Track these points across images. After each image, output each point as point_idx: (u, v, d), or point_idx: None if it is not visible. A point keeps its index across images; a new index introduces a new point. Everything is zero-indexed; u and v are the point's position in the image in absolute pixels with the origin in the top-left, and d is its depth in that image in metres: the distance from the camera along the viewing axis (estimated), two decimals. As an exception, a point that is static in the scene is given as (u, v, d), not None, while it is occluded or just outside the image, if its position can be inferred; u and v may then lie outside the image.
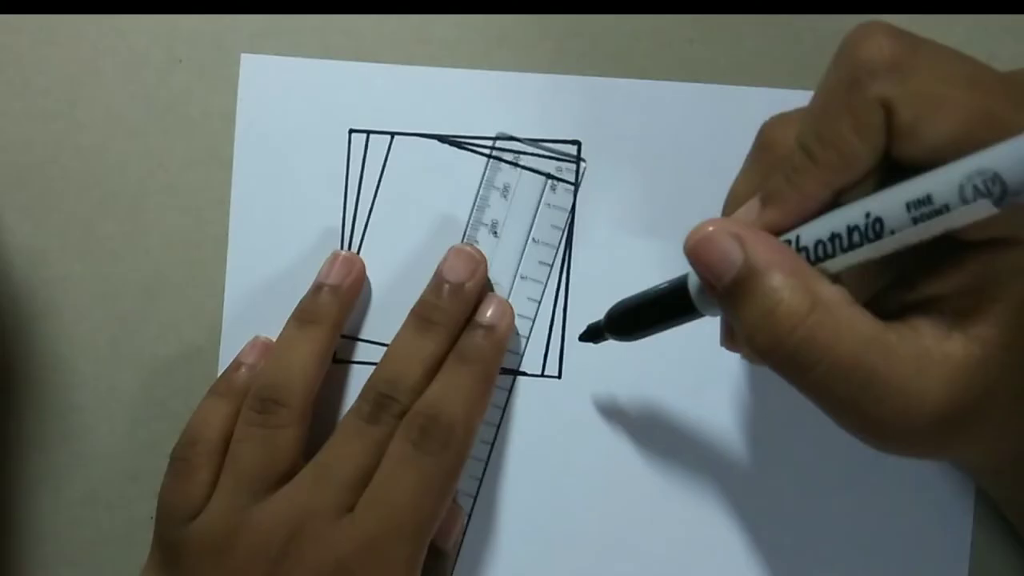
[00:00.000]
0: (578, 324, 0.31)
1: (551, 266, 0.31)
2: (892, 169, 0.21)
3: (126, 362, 0.32)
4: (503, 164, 0.31)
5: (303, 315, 0.30)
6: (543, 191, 0.31)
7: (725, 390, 0.31)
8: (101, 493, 0.32)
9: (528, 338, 0.31)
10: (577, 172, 0.31)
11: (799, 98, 0.31)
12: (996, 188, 0.18)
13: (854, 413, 0.21)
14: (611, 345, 0.31)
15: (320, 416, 0.30)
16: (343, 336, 0.31)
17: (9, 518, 0.32)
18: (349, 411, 0.29)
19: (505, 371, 0.31)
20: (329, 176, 0.31)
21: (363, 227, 0.31)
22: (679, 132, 0.31)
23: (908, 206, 0.19)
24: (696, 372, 0.31)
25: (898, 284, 0.22)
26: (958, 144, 0.19)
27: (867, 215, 0.20)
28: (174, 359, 0.32)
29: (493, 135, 0.31)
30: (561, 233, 0.31)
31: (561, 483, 0.31)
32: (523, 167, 0.31)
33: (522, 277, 0.31)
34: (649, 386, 0.31)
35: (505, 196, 0.31)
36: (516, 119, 0.31)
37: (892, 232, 0.20)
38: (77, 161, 0.32)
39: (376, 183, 0.31)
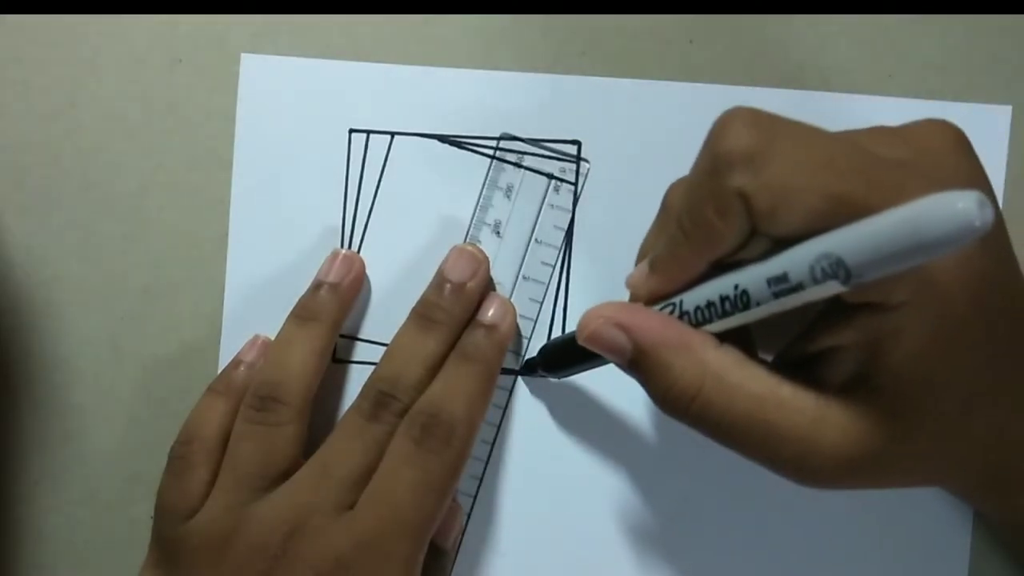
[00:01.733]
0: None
1: (553, 266, 0.31)
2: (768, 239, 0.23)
3: (126, 361, 0.32)
4: (506, 164, 0.31)
5: (302, 313, 0.30)
6: (546, 191, 0.31)
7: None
8: (101, 492, 0.32)
9: (530, 338, 0.31)
10: (577, 172, 0.31)
11: (798, 98, 0.31)
12: (841, 271, 0.19)
13: (763, 460, 0.23)
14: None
15: (320, 415, 0.30)
16: (343, 336, 0.31)
17: (9, 517, 0.32)
18: (349, 409, 0.29)
19: (506, 371, 0.31)
20: (329, 176, 0.31)
21: (363, 227, 0.31)
22: (679, 132, 0.31)
23: (768, 282, 0.21)
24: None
25: (804, 335, 0.24)
26: (814, 229, 0.20)
27: (736, 287, 0.22)
28: (174, 358, 0.32)
29: (493, 135, 0.31)
30: (562, 234, 0.31)
31: (561, 483, 0.31)
32: (526, 168, 0.31)
33: (524, 277, 0.31)
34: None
35: (508, 196, 0.31)
36: (516, 119, 0.31)
37: (757, 304, 0.21)
38: (77, 161, 0.32)
39: (376, 183, 0.31)
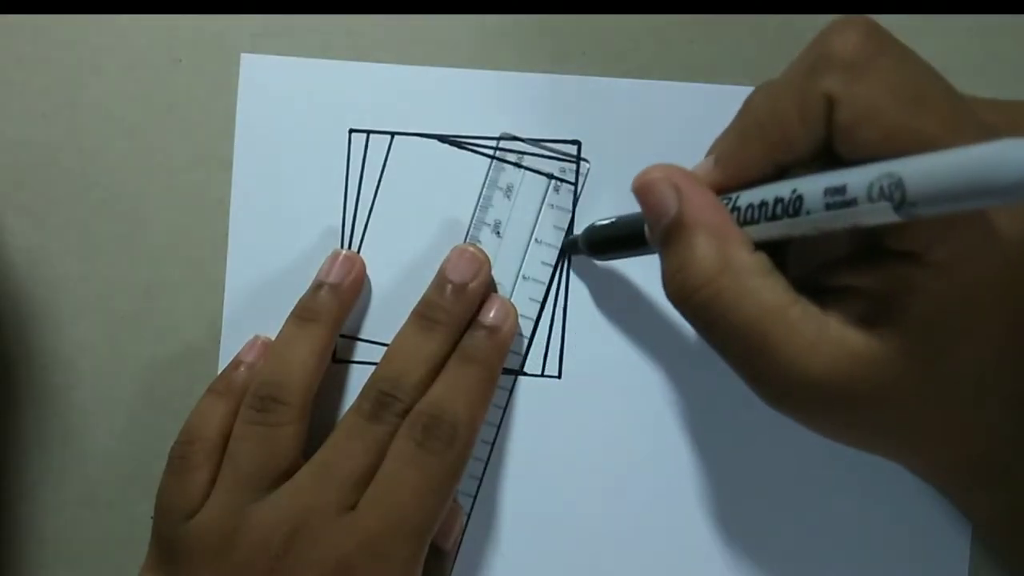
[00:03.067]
0: (578, 324, 0.31)
1: (553, 266, 0.31)
2: (836, 161, 0.22)
3: (126, 362, 0.32)
4: (506, 164, 0.31)
5: (303, 313, 0.30)
6: (546, 191, 0.31)
7: (726, 391, 0.31)
8: (101, 492, 0.32)
9: (531, 339, 0.31)
10: (577, 172, 0.31)
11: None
12: (897, 194, 0.18)
13: (746, 370, 0.23)
14: (611, 346, 0.31)
15: (320, 415, 0.30)
16: (343, 336, 0.31)
17: (9, 517, 0.32)
18: (350, 409, 0.28)
19: (506, 371, 0.31)
20: (329, 176, 0.31)
21: (363, 227, 0.31)
22: (679, 132, 0.31)
23: (826, 191, 0.20)
24: (697, 374, 0.31)
25: (826, 267, 0.24)
26: (883, 152, 0.20)
27: (793, 191, 0.21)
28: (174, 359, 0.32)
29: (493, 135, 0.31)
30: (562, 233, 0.31)
31: (561, 483, 0.31)
32: (526, 168, 0.31)
33: (524, 277, 0.31)
34: (649, 387, 0.31)
35: (508, 196, 0.31)
36: (516, 119, 0.31)
37: (808, 212, 0.21)
38: (77, 161, 0.32)
39: (376, 183, 0.31)
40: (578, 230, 0.31)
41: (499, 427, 0.31)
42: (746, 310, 0.22)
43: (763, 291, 0.22)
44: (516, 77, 0.31)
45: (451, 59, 0.31)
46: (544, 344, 0.31)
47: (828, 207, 0.20)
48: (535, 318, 0.31)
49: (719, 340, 0.23)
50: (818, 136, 0.22)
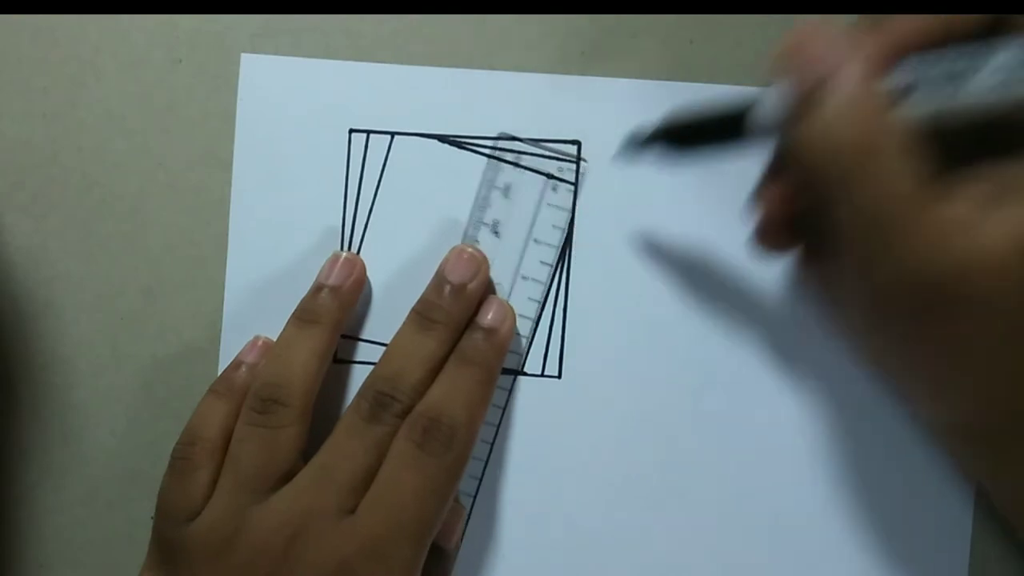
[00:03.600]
0: (578, 324, 0.31)
1: (552, 266, 0.31)
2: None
3: (126, 362, 0.32)
4: (504, 164, 0.31)
5: (303, 315, 0.30)
6: (544, 191, 0.31)
7: (725, 390, 0.31)
8: (101, 492, 0.32)
9: (531, 339, 0.31)
10: (577, 172, 0.31)
11: (799, 98, 0.31)
12: None
13: (861, 254, 0.22)
14: (610, 346, 0.31)
15: (320, 416, 0.30)
16: (343, 336, 0.31)
17: (9, 517, 0.32)
18: (348, 408, 0.28)
19: (506, 371, 0.31)
20: (329, 176, 0.31)
21: (363, 227, 0.31)
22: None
23: None
24: (696, 374, 0.31)
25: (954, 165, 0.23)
26: None
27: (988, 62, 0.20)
28: (174, 359, 0.32)
29: (492, 135, 0.31)
30: (561, 233, 0.31)
31: (560, 483, 0.31)
32: (524, 167, 0.31)
33: (523, 277, 0.31)
34: (649, 387, 0.31)
35: (506, 196, 0.31)
36: (516, 119, 0.31)
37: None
38: (77, 161, 0.32)
39: (376, 183, 0.31)
40: (577, 231, 0.31)
41: (498, 427, 0.31)
42: (888, 189, 0.22)
43: (909, 173, 0.22)
44: (516, 77, 0.31)
45: (451, 59, 0.31)
46: (544, 344, 0.31)
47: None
48: (535, 318, 0.31)
49: (846, 217, 0.22)
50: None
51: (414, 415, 0.28)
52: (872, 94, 0.22)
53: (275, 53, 0.32)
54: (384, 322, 0.31)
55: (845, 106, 0.22)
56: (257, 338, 0.31)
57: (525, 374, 0.31)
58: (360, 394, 0.28)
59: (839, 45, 0.23)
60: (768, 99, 0.24)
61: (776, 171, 0.26)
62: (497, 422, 0.31)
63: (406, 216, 0.31)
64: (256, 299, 0.31)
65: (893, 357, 0.25)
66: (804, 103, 0.23)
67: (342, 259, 0.31)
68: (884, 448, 0.31)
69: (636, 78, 0.31)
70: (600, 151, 0.31)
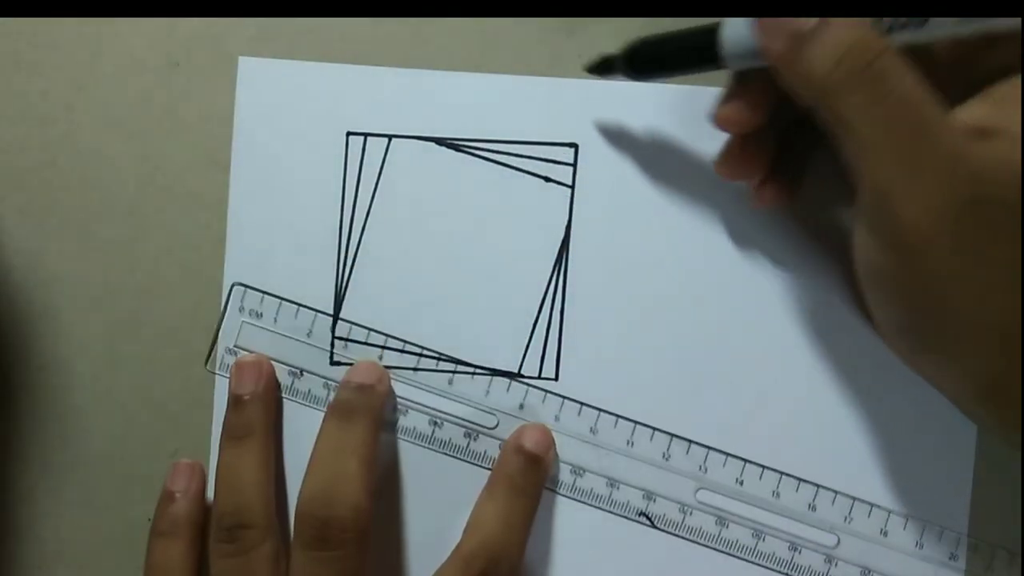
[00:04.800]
0: (575, 326, 0.31)
1: (548, 269, 0.31)
2: None
3: (124, 364, 0.32)
4: (503, 167, 0.31)
5: (234, 432, 0.30)
6: (540, 193, 0.31)
7: (722, 392, 0.31)
8: (99, 495, 0.32)
9: (528, 342, 0.31)
10: (574, 175, 0.31)
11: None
12: None
13: (886, 175, 0.22)
14: (607, 349, 0.31)
15: (315, 420, 0.30)
16: (339, 338, 0.31)
17: (7, 520, 0.32)
18: (294, 541, 0.28)
19: (505, 373, 0.31)
20: (327, 178, 0.32)
21: (360, 229, 0.32)
22: (676, 135, 0.31)
23: None
24: (693, 373, 0.31)
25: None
26: None
27: None
28: (172, 361, 0.32)
29: (489, 137, 0.31)
30: (558, 236, 0.31)
31: (558, 484, 0.31)
32: (520, 170, 0.31)
33: (520, 280, 0.31)
34: (645, 389, 0.31)
35: (505, 199, 0.31)
36: (513, 122, 0.31)
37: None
38: (75, 163, 0.32)
39: (373, 186, 0.31)
40: (574, 234, 0.31)
41: (495, 429, 0.31)
42: (913, 91, 0.22)
43: (923, 81, 0.22)
44: (513, 80, 0.31)
45: (448, 62, 0.31)
46: (541, 346, 0.31)
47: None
48: (532, 321, 0.31)
49: (867, 139, 0.22)
50: None
51: (468, 557, 0.28)
52: (864, 25, 0.23)
53: (272, 56, 0.32)
54: (381, 325, 0.31)
55: (845, 33, 0.22)
56: (178, 463, 0.31)
57: (522, 376, 0.31)
58: (297, 522, 0.28)
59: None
60: (737, 28, 0.25)
61: (737, 95, 0.27)
62: (494, 425, 0.31)
63: (403, 219, 0.31)
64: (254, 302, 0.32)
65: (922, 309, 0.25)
66: (796, 39, 0.23)
67: (246, 364, 0.30)
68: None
69: (632, 81, 0.31)
70: (597, 154, 0.31)
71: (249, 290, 0.31)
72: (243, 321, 0.31)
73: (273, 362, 0.31)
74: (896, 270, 0.23)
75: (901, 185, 0.22)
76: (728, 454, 0.31)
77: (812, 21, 0.23)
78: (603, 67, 0.29)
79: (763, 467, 0.31)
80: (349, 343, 0.31)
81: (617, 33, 0.31)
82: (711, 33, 0.26)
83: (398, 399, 0.31)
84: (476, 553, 0.28)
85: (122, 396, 0.32)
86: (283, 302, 0.31)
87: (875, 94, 0.22)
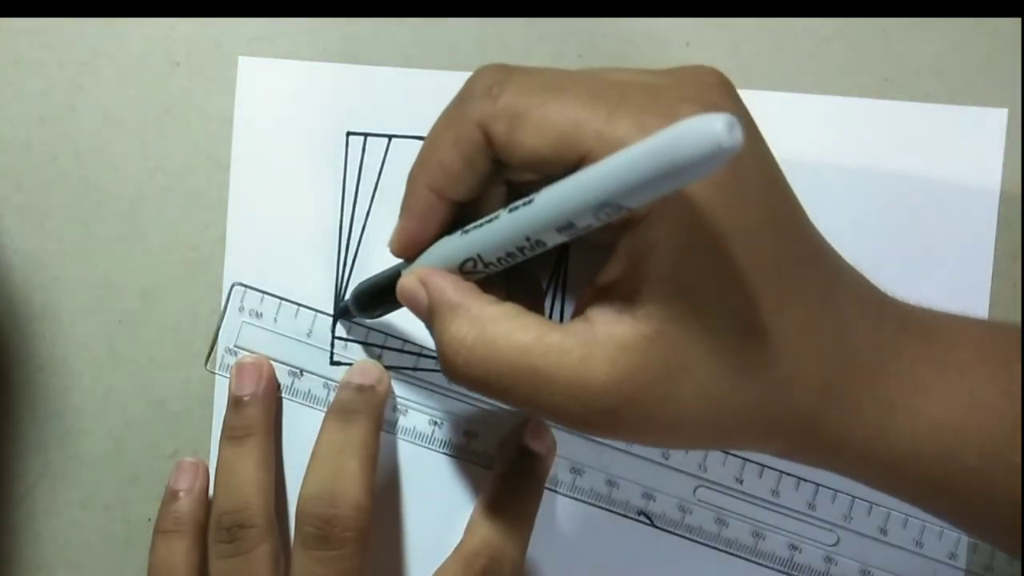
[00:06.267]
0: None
1: (550, 267, 0.31)
2: (518, 191, 0.23)
3: (124, 364, 0.32)
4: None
5: (233, 433, 0.30)
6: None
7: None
8: (99, 495, 0.32)
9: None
10: (574, 175, 0.31)
11: (794, 101, 0.31)
12: (622, 211, 0.19)
13: (540, 410, 0.22)
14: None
15: (312, 420, 0.30)
16: (339, 338, 0.31)
17: (7, 519, 0.32)
18: (295, 540, 0.28)
19: (348, 319, 0.31)
20: (326, 178, 0.32)
21: (360, 229, 0.32)
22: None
23: (558, 230, 0.21)
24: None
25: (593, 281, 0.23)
26: (550, 150, 0.21)
27: (527, 239, 0.22)
28: (172, 361, 0.32)
29: (490, 138, 0.31)
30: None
31: (558, 483, 0.31)
32: (520, 170, 0.31)
33: (521, 278, 0.31)
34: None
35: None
36: (513, 122, 0.31)
37: (547, 244, 0.22)
38: (75, 163, 0.32)
39: (373, 185, 0.32)
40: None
41: (495, 428, 0.31)
42: (506, 353, 0.22)
43: (516, 331, 0.22)
44: (513, 80, 0.31)
45: (448, 62, 0.31)
46: (541, 346, 0.31)
47: (561, 231, 0.21)
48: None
49: (502, 395, 0.23)
50: (475, 161, 0.23)
51: (470, 555, 0.28)
52: (457, 298, 0.23)
53: (272, 56, 0.32)
54: (380, 325, 0.31)
55: (445, 319, 0.23)
56: (182, 461, 0.31)
57: (340, 318, 0.31)
58: (298, 522, 0.28)
59: (425, 277, 0.24)
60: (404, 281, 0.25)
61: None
62: (494, 425, 0.31)
63: (403, 219, 0.31)
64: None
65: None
66: (431, 333, 0.24)
67: (245, 366, 0.31)
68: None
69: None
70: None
71: (249, 290, 0.31)
72: (243, 321, 0.31)
73: (273, 362, 0.31)
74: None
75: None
76: (727, 452, 0.31)
77: (423, 308, 0.24)
78: (344, 313, 0.31)
79: (763, 465, 0.31)
80: (349, 343, 0.31)
81: (615, 33, 0.31)
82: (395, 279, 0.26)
83: (398, 399, 0.31)
84: (478, 551, 0.28)
85: (122, 396, 0.32)
86: (283, 302, 0.31)
87: (481, 375, 0.23)
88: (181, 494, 0.30)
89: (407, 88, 0.31)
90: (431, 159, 0.24)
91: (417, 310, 0.25)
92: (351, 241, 0.32)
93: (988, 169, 0.31)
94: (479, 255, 0.23)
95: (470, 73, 0.32)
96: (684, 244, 0.21)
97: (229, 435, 0.30)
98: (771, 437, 0.23)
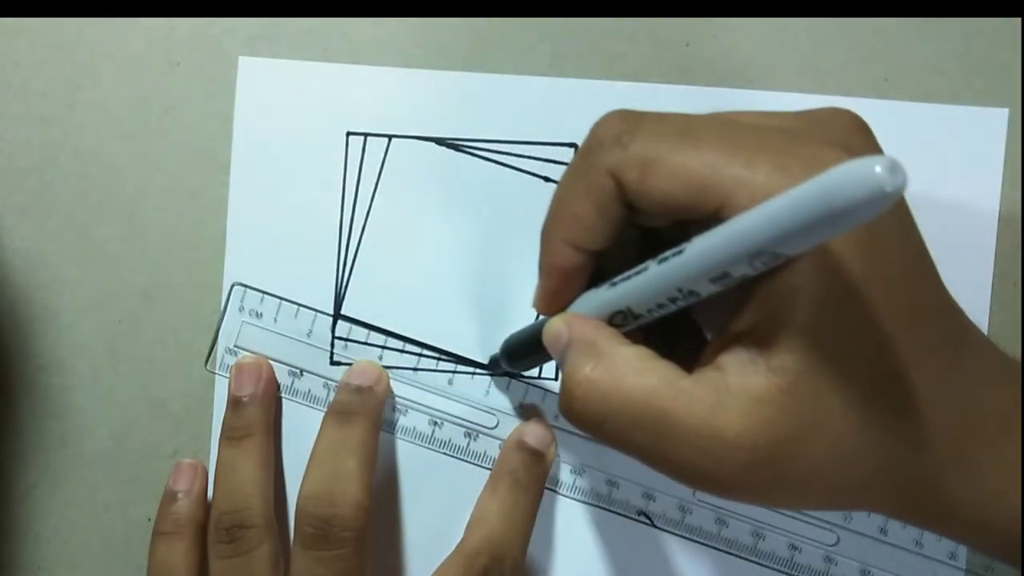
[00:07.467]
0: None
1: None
2: (650, 234, 0.23)
3: (124, 364, 0.32)
4: (503, 167, 0.31)
5: (233, 433, 0.30)
6: (540, 194, 0.31)
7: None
8: (99, 495, 0.32)
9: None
10: (574, 175, 0.31)
11: (794, 101, 0.31)
12: (779, 259, 0.19)
13: (661, 461, 0.21)
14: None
15: (310, 420, 0.30)
16: (339, 338, 0.31)
17: (7, 519, 0.32)
18: (295, 539, 0.28)
19: (503, 374, 0.31)
20: (327, 178, 0.32)
21: (360, 229, 0.32)
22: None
23: (712, 280, 0.20)
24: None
25: (718, 333, 0.23)
26: (687, 197, 0.21)
27: (679, 290, 0.21)
28: (172, 361, 0.32)
29: (489, 137, 0.31)
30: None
31: (557, 484, 0.31)
32: (520, 170, 0.31)
33: (520, 279, 0.31)
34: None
35: (504, 199, 0.31)
36: (513, 122, 0.31)
37: (701, 294, 0.21)
38: (75, 164, 0.32)
39: (374, 185, 0.32)
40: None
41: (495, 429, 0.31)
42: (630, 392, 0.21)
43: (645, 373, 0.21)
44: (513, 80, 0.31)
45: (448, 62, 0.31)
46: (541, 346, 0.31)
47: (714, 281, 0.20)
48: (532, 321, 0.31)
49: (618, 437, 0.22)
50: (609, 210, 0.22)
51: (471, 553, 0.28)
52: (592, 337, 0.23)
53: (272, 56, 0.32)
54: (381, 324, 0.31)
55: (576, 357, 0.23)
56: (181, 462, 0.31)
57: (522, 376, 0.31)
58: (298, 519, 0.28)
59: (569, 319, 0.24)
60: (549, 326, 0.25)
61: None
62: (494, 425, 0.31)
63: (404, 219, 0.31)
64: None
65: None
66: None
67: (245, 366, 0.31)
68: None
69: (633, 81, 0.31)
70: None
71: (249, 290, 0.31)
72: (243, 321, 0.31)
73: (273, 362, 0.31)
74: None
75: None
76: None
77: (560, 347, 0.24)
78: (494, 365, 0.31)
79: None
80: (349, 343, 0.31)
81: (615, 33, 0.31)
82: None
83: (398, 399, 0.31)
84: (479, 550, 0.28)
85: (122, 396, 0.32)
86: (283, 302, 0.31)
87: (607, 416, 0.22)
88: (180, 495, 0.30)
89: (407, 88, 0.31)
90: (564, 212, 0.23)
91: (555, 349, 0.24)
92: (351, 241, 0.31)
93: (989, 169, 0.31)
94: (629, 307, 0.23)
95: (470, 73, 0.32)
96: (825, 292, 0.20)
97: (228, 435, 0.30)
98: (887, 498, 0.22)
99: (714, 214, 0.20)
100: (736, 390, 0.20)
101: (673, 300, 0.21)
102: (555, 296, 0.24)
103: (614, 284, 0.23)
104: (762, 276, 0.20)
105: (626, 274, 0.23)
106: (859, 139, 0.22)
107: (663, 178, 0.21)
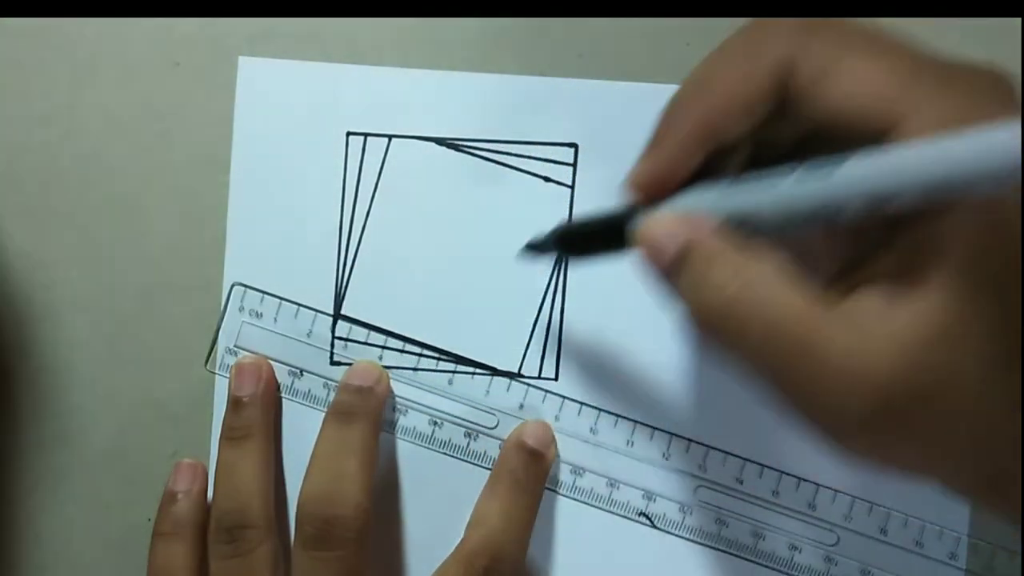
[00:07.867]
0: (575, 326, 0.31)
1: (549, 268, 0.31)
2: (765, 154, 0.21)
3: (124, 364, 0.32)
4: (503, 167, 0.31)
5: (233, 433, 0.30)
6: (540, 194, 0.31)
7: (721, 391, 0.31)
8: (99, 495, 0.32)
9: (528, 343, 0.31)
10: (574, 175, 0.31)
11: (795, 101, 0.31)
12: (954, 196, 0.18)
13: (791, 390, 0.20)
14: (607, 349, 0.31)
15: (310, 420, 0.30)
16: (339, 338, 0.31)
17: (7, 519, 0.32)
18: (296, 540, 0.28)
19: (504, 374, 0.31)
20: (327, 179, 0.32)
21: (360, 230, 0.32)
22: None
23: (869, 206, 0.19)
24: (693, 375, 0.31)
25: (850, 266, 0.21)
26: (857, 109, 0.19)
27: (823, 208, 0.19)
28: (172, 361, 0.32)
29: (490, 137, 0.31)
30: (558, 236, 0.31)
31: (557, 484, 0.31)
32: (520, 170, 0.31)
33: (520, 279, 0.31)
34: (644, 388, 0.31)
35: (505, 199, 0.31)
36: (513, 122, 0.31)
37: (840, 220, 0.19)
38: (75, 164, 0.32)
39: (374, 186, 0.32)
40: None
41: (495, 429, 0.31)
42: (774, 315, 0.19)
43: (789, 293, 0.20)
44: (513, 80, 0.31)
45: (448, 62, 0.31)
46: (541, 346, 0.31)
47: (866, 210, 0.19)
48: (532, 321, 0.31)
49: (755, 352, 0.20)
50: (763, 98, 0.20)
51: (471, 555, 0.28)
52: (724, 243, 0.21)
53: (272, 56, 0.32)
54: (381, 324, 0.31)
55: (710, 259, 0.21)
56: (180, 463, 0.31)
57: (522, 376, 0.31)
58: (299, 520, 0.28)
59: (686, 219, 0.22)
60: (643, 218, 0.23)
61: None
62: (494, 425, 0.31)
63: (404, 219, 0.31)
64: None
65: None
66: (670, 270, 0.22)
67: (246, 365, 0.31)
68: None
69: (633, 81, 0.31)
70: (597, 154, 0.31)
71: (249, 290, 0.31)
72: (243, 321, 0.31)
73: (273, 362, 0.31)
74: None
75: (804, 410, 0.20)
76: (728, 452, 0.31)
77: (673, 248, 0.21)
78: (534, 247, 0.28)
79: (763, 465, 0.31)
80: (349, 343, 0.31)
81: (616, 33, 0.31)
82: (622, 222, 0.24)
83: (398, 399, 0.31)
84: (479, 550, 0.28)
85: (122, 397, 0.32)
86: (283, 302, 0.31)
87: (737, 327, 0.20)
88: (179, 496, 0.30)
89: (407, 88, 0.31)
90: (713, 86, 0.20)
91: (658, 258, 0.21)
92: (351, 241, 0.31)
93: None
94: (750, 218, 0.20)
95: (470, 73, 0.32)
96: (988, 239, 0.19)
97: (228, 436, 0.30)
98: (1013, 474, 0.20)
99: (877, 136, 0.19)
100: (883, 330, 0.19)
101: (808, 219, 0.19)
102: (660, 178, 0.22)
103: (736, 183, 0.20)
104: (922, 213, 0.19)
105: (756, 175, 0.20)
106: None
107: (842, 83, 0.19)
